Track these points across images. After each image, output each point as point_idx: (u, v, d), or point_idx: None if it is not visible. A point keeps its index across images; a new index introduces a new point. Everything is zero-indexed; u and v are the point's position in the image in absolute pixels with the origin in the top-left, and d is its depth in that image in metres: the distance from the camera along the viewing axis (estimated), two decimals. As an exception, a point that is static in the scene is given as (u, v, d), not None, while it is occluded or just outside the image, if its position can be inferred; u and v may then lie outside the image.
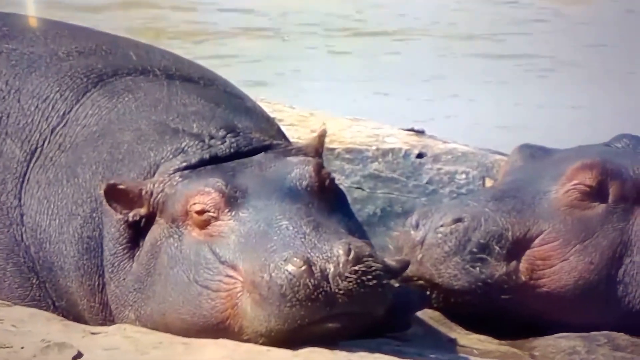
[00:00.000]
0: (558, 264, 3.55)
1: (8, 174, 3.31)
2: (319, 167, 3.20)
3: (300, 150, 3.27)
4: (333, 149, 3.97)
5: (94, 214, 3.23)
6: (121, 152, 3.24)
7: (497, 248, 3.51)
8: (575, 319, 3.57)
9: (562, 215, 3.57)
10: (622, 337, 3.55)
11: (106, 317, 3.24)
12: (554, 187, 3.60)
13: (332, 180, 3.24)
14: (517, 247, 3.54)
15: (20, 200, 3.32)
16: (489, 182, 3.95)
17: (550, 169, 3.65)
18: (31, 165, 3.33)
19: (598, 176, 3.60)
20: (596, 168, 3.61)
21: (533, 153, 3.73)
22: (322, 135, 3.28)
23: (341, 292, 2.99)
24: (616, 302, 3.60)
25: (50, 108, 3.36)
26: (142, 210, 3.18)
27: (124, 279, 3.19)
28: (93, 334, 3.17)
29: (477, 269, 3.50)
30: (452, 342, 3.46)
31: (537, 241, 3.56)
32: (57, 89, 3.37)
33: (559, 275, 3.55)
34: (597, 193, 3.60)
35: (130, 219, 3.17)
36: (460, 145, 4.13)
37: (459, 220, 3.53)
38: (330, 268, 2.99)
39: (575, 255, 3.56)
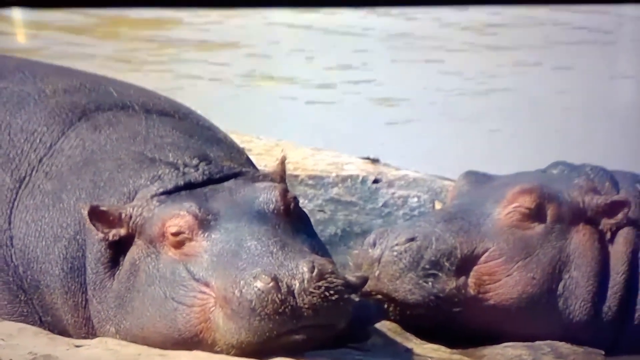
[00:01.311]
0: (503, 278, 3.63)
1: None
2: (284, 192, 3.30)
3: (266, 177, 3.37)
4: (297, 176, 4.08)
5: (78, 236, 3.30)
6: (103, 180, 3.33)
7: (447, 265, 3.60)
8: (520, 329, 3.64)
9: (504, 234, 3.67)
10: (564, 346, 3.62)
11: (89, 331, 3.29)
12: (497, 209, 3.70)
13: (297, 203, 3.33)
14: (465, 264, 3.62)
15: (10, 224, 3.38)
16: (438, 205, 4.03)
17: (493, 193, 3.75)
18: (20, 191, 3.39)
19: (536, 199, 3.70)
20: (534, 192, 3.71)
21: (477, 179, 3.83)
22: (283, 162, 3.38)
23: (306, 306, 3.07)
24: (557, 313, 3.67)
25: (37, 140, 3.44)
26: (122, 231, 3.25)
27: (105, 296, 3.25)
28: (77, 346, 3.21)
29: (430, 284, 3.58)
30: (409, 352, 3.51)
31: (482, 258, 3.64)
32: (44, 122, 3.46)
33: (503, 289, 3.63)
34: (535, 214, 3.69)
35: (111, 238, 3.25)
36: (412, 172, 4.26)
37: (412, 239, 3.61)
38: (296, 284, 3.07)
39: (518, 271, 3.64)
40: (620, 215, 3.76)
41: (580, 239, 3.75)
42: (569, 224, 3.75)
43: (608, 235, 3.77)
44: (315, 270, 3.11)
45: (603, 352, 3.67)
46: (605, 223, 3.77)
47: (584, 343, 3.69)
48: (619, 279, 3.74)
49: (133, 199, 3.32)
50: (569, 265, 3.72)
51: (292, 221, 3.30)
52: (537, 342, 3.66)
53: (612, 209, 3.77)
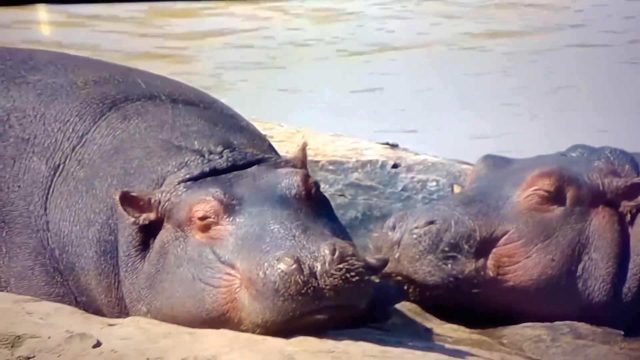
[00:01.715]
0: (522, 260, 3.62)
1: (35, 187, 3.47)
2: (306, 177, 3.34)
3: (288, 163, 3.41)
4: (317, 162, 4.11)
5: (110, 221, 3.38)
6: (132, 167, 3.41)
7: (466, 247, 3.60)
8: (539, 310, 3.63)
9: (524, 217, 3.64)
10: (583, 327, 3.59)
11: (122, 311, 3.38)
12: (516, 192, 3.68)
13: (318, 188, 3.37)
14: (484, 246, 3.61)
15: (45, 209, 3.47)
16: (457, 189, 4.01)
17: (512, 176, 3.72)
18: (55, 179, 3.48)
19: (556, 182, 3.67)
20: (554, 175, 3.69)
21: (496, 162, 3.82)
22: (304, 149, 3.43)
23: (327, 287, 3.11)
24: (576, 295, 3.65)
25: (70, 130, 3.53)
26: (152, 216, 3.33)
27: (136, 277, 3.33)
28: (110, 325, 3.28)
29: (449, 266, 3.58)
30: (428, 332, 3.52)
31: (502, 241, 3.63)
32: (77, 113, 3.54)
33: (522, 271, 3.62)
34: (555, 197, 3.67)
35: (141, 222, 3.32)
36: (430, 157, 4.25)
37: (431, 222, 3.59)
38: (318, 266, 3.11)
39: (537, 253, 3.63)
40: None
41: (599, 221, 3.73)
42: (589, 206, 3.73)
43: (628, 217, 3.74)
44: (337, 253, 3.14)
45: (622, 333, 3.65)
46: (625, 205, 3.74)
47: (604, 323, 3.67)
48: (638, 260, 3.70)
49: (161, 185, 3.39)
50: (589, 247, 3.70)
51: (313, 205, 3.33)
52: (556, 323, 3.65)
53: (632, 191, 3.74)
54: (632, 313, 3.72)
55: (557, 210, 3.71)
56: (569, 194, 3.71)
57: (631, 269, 3.72)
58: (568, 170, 3.75)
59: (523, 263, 3.66)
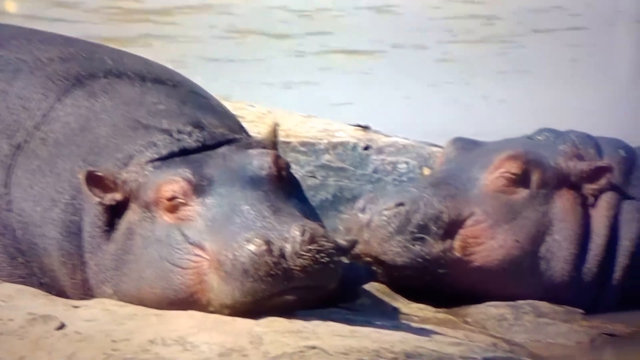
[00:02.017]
0: (487, 242, 3.63)
1: None
2: (277, 158, 3.25)
3: (259, 144, 3.32)
4: (289, 142, 4.01)
5: (74, 201, 3.26)
6: (98, 146, 3.28)
7: (434, 228, 3.59)
8: (503, 290, 3.64)
9: (490, 199, 3.65)
10: (544, 306, 3.61)
11: (86, 293, 3.27)
12: (483, 174, 3.68)
13: (288, 169, 3.29)
14: (452, 228, 3.61)
15: (7, 188, 3.33)
16: (426, 171, 4.02)
17: (480, 159, 3.72)
18: (17, 157, 3.33)
19: (522, 165, 3.68)
20: (520, 158, 3.69)
21: (465, 145, 3.81)
22: (275, 129, 3.33)
23: (297, 268, 3.04)
24: (540, 275, 3.66)
25: (34, 107, 3.37)
26: (118, 196, 3.21)
27: (102, 259, 3.23)
28: (75, 307, 3.18)
29: (417, 247, 3.58)
30: (396, 311, 3.51)
31: (468, 222, 3.63)
32: (41, 90, 3.39)
33: (488, 252, 3.63)
34: (521, 180, 3.67)
35: (107, 202, 3.21)
36: (401, 139, 4.19)
37: (400, 204, 3.59)
38: (288, 247, 3.04)
39: (502, 235, 3.64)
40: (602, 181, 3.74)
41: (563, 204, 3.74)
42: (553, 189, 3.74)
43: (591, 199, 3.75)
44: (307, 234, 3.08)
45: (582, 312, 3.68)
46: (588, 188, 3.75)
47: (565, 303, 3.69)
48: (599, 242, 3.73)
49: (128, 165, 3.27)
50: (552, 229, 3.71)
51: (284, 187, 3.25)
52: (519, 302, 3.66)
53: (595, 174, 3.75)
54: (592, 292, 3.74)
55: (523, 193, 3.72)
56: (535, 176, 3.72)
57: (591, 250, 3.73)
58: (534, 153, 3.75)
59: (489, 244, 3.67)
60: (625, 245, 3.77)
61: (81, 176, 3.21)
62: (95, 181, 3.21)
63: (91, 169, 3.22)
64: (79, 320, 3.11)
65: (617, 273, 3.75)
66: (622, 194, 3.76)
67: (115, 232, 3.25)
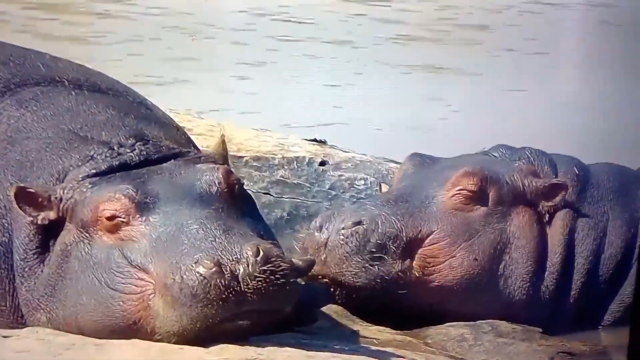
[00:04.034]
0: (446, 260, 3.32)
1: None
2: (228, 174, 2.79)
3: (209, 158, 2.84)
4: (241, 157, 3.62)
5: (3, 220, 2.74)
6: (29, 160, 2.76)
7: (392, 248, 3.26)
8: (463, 309, 3.32)
9: (448, 217, 3.36)
10: (504, 325, 3.32)
11: (17, 321, 2.74)
12: (441, 191, 3.39)
13: (241, 185, 2.82)
14: (410, 247, 3.30)
15: None
16: (384, 188, 3.68)
17: (438, 175, 3.43)
18: None
19: (479, 182, 3.40)
20: (477, 175, 3.41)
21: (423, 161, 3.50)
22: (224, 141, 2.87)
23: (250, 291, 2.59)
24: (498, 293, 3.37)
25: None
26: (51, 214, 2.70)
27: (34, 283, 2.70)
28: (4, 337, 2.65)
29: (376, 267, 3.24)
30: (355, 334, 3.14)
31: (427, 241, 3.33)
32: None
33: (447, 271, 3.32)
34: (478, 197, 3.39)
35: (40, 221, 2.69)
36: (359, 154, 3.84)
37: (358, 223, 3.27)
38: (240, 269, 2.59)
39: (460, 253, 3.34)
40: (558, 198, 3.48)
41: (520, 221, 3.45)
42: (510, 206, 3.45)
43: (546, 217, 3.47)
44: (260, 254, 2.62)
45: (541, 330, 3.36)
46: (544, 205, 3.47)
47: (523, 321, 3.38)
48: (556, 259, 3.47)
49: (63, 180, 2.75)
50: (509, 247, 3.44)
51: (236, 204, 2.78)
52: (479, 322, 3.34)
53: (551, 191, 3.47)
54: (549, 310, 3.47)
55: (480, 210, 3.46)
56: (492, 194, 3.46)
57: (548, 267, 3.46)
58: (491, 170, 3.52)
59: (448, 263, 3.34)
60: (581, 262, 3.41)
61: (11, 192, 2.69)
62: (26, 198, 2.69)
63: (22, 184, 2.71)
64: (10, 351, 2.61)
65: (574, 291, 3.44)
66: (578, 212, 3.42)
67: (50, 254, 2.73)
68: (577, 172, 3.50)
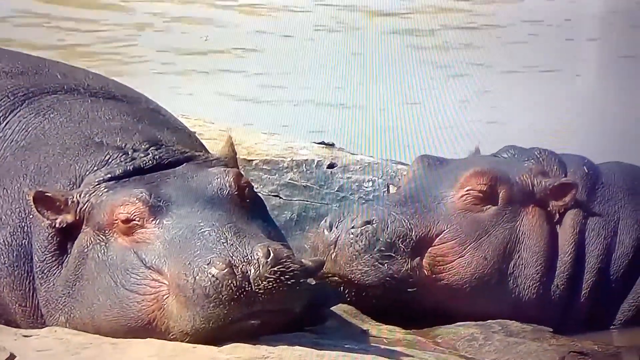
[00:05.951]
0: (455, 260, 3.38)
1: None
2: (238, 177, 2.90)
3: (219, 161, 2.96)
4: (251, 161, 3.72)
5: (23, 224, 2.87)
6: (47, 165, 2.89)
7: (402, 246, 3.33)
8: (472, 308, 3.38)
9: (458, 217, 3.42)
10: (514, 324, 3.37)
11: (37, 321, 2.87)
12: (451, 192, 3.45)
13: (251, 188, 2.94)
14: (420, 246, 3.37)
15: None
16: (392, 189, 3.76)
17: (447, 176, 3.49)
18: None
19: (488, 182, 3.46)
20: (487, 175, 3.47)
21: (431, 162, 3.57)
22: (232, 144, 2.98)
23: (261, 291, 2.70)
24: (508, 293, 3.42)
25: None
26: (69, 218, 2.83)
27: (53, 284, 2.83)
28: (25, 336, 2.78)
29: (385, 265, 3.31)
30: (364, 333, 3.20)
31: (436, 240, 3.39)
32: None
33: (456, 270, 3.38)
34: (488, 197, 3.45)
35: (58, 225, 2.82)
36: (366, 157, 3.92)
37: (368, 222, 3.34)
38: (251, 270, 2.69)
39: (470, 252, 3.39)
40: (567, 198, 3.52)
41: (529, 221, 3.50)
42: (519, 206, 3.50)
43: (556, 216, 3.52)
44: (271, 255, 2.72)
45: (551, 330, 3.40)
46: (554, 205, 3.52)
47: (533, 321, 3.42)
48: (566, 258, 3.51)
49: (80, 185, 2.88)
50: (519, 246, 3.49)
51: (246, 206, 2.89)
52: (489, 321, 3.39)
53: (560, 191, 3.52)
54: (560, 310, 3.51)
55: (490, 210, 3.51)
56: (501, 194, 3.52)
57: (559, 267, 3.50)
58: (500, 170, 3.57)
59: (457, 262, 3.41)
60: (591, 262, 3.45)
61: (30, 197, 2.82)
62: (45, 202, 2.83)
63: (40, 189, 2.83)
64: (30, 350, 2.73)
65: (585, 290, 3.48)
66: (587, 211, 3.46)
67: (67, 256, 2.85)
68: (586, 171, 3.53)
